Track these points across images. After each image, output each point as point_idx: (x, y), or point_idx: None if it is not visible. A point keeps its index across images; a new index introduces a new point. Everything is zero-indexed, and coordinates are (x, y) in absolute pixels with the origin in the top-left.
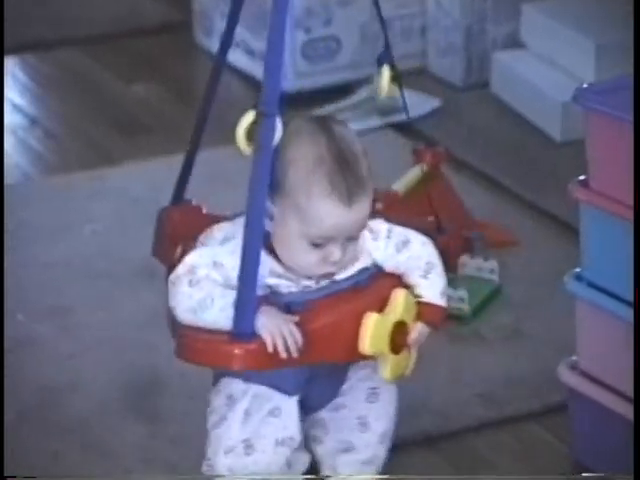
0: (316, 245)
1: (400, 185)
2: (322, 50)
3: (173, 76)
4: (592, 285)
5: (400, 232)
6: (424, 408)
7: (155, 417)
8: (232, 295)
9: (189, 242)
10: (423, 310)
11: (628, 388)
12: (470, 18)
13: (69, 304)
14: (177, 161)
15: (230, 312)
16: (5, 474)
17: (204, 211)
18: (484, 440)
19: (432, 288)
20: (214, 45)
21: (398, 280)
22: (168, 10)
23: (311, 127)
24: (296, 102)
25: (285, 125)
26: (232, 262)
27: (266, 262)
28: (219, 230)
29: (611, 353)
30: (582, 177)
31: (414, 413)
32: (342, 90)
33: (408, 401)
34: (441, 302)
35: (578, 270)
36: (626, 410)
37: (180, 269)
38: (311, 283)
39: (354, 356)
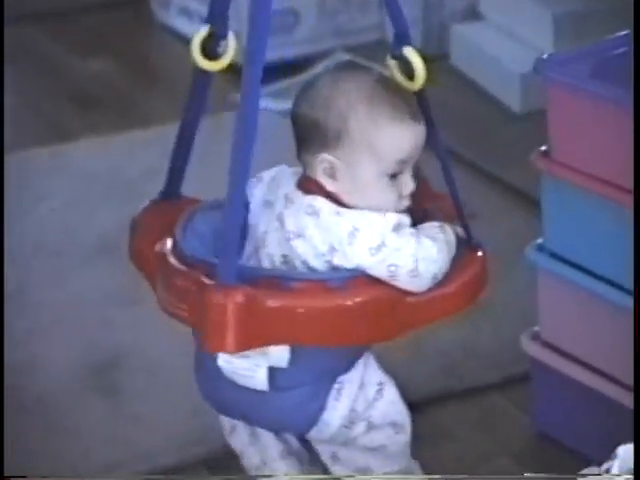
0: (393, 177)
1: None
2: (280, 23)
3: (129, 51)
4: (553, 255)
5: None
6: None
7: (115, 394)
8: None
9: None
10: None
11: (589, 357)
12: None
13: (26, 282)
14: (133, 136)
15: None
16: (5, 474)
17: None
18: (446, 412)
19: None
20: (170, 19)
21: None
22: None
23: (346, 72)
24: None
25: (311, 85)
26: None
27: None
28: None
29: (573, 323)
30: (543, 148)
31: None
32: (301, 64)
33: None
34: None
35: (540, 241)
36: (587, 379)
37: (409, 243)
38: None
39: None
